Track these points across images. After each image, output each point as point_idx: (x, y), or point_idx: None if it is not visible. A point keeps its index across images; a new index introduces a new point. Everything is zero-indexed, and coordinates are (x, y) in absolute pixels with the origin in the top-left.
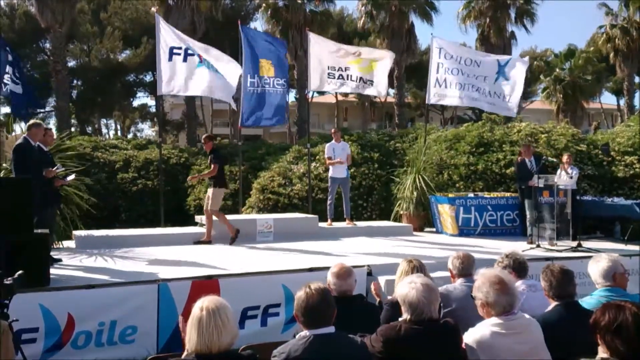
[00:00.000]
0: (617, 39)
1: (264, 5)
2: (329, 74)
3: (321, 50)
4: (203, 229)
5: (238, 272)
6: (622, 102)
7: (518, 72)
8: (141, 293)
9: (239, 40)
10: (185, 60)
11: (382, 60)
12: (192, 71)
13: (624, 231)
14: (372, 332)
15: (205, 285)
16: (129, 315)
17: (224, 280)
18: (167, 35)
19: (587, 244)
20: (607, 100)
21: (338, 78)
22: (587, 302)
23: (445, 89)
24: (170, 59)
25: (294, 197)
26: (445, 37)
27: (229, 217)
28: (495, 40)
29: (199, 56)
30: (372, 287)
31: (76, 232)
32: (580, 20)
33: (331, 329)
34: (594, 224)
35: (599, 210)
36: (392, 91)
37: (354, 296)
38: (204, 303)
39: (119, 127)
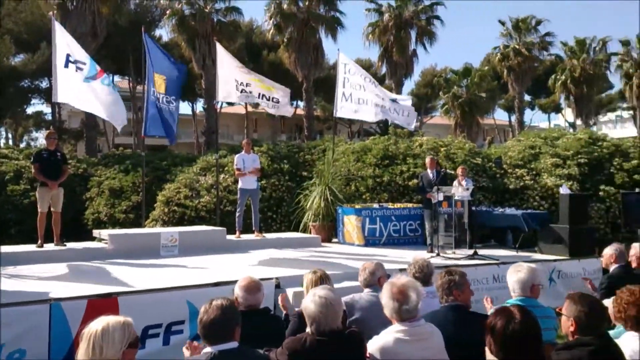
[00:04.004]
0: (510, 59)
1: (169, 11)
2: (235, 86)
3: (228, 62)
4: (102, 244)
5: (139, 289)
6: (513, 118)
7: (407, 104)
8: (31, 314)
9: (143, 47)
10: (77, 71)
11: (278, 91)
12: (79, 85)
13: (516, 239)
14: (279, 345)
15: (103, 304)
16: (18, 338)
17: (123, 298)
18: (64, 41)
19: (482, 251)
20: (500, 116)
21: (241, 92)
22: None
23: (351, 103)
24: (66, 65)
25: (202, 210)
26: (350, 52)
27: (131, 230)
28: (397, 57)
29: (100, 72)
30: (280, 299)
31: None
32: (476, 41)
33: (234, 345)
34: (489, 232)
35: (493, 220)
36: (301, 104)
37: (260, 310)
38: (91, 327)
39: (10, 135)
